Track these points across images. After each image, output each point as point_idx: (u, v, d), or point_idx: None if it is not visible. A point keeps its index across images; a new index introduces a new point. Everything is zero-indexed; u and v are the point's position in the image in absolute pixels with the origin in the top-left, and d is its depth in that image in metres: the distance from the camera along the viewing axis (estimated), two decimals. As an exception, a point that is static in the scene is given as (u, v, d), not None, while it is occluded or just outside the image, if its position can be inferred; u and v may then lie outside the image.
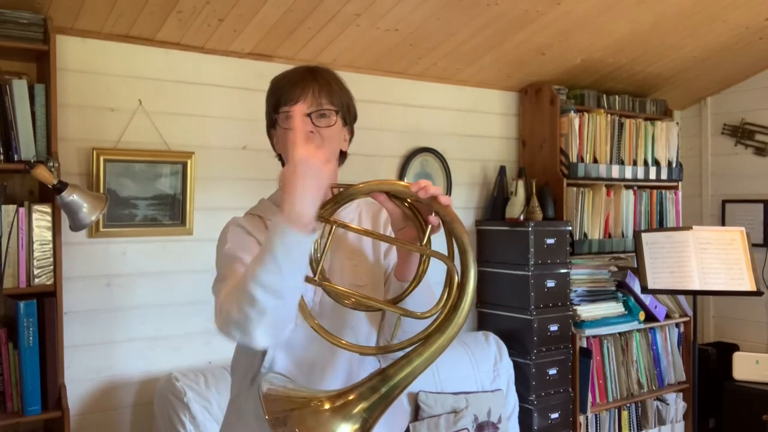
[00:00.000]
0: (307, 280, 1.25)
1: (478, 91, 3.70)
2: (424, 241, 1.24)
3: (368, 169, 3.12)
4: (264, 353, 1.39)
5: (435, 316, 1.21)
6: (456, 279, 1.19)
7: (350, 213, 1.50)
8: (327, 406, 1.16)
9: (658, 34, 3.38)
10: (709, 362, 4.08)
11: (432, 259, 1.25)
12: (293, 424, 1.14)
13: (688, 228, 3.37)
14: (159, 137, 2.72)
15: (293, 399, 1.20)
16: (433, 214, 1.23)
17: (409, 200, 1.25)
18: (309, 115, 1.41)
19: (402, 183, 1.25)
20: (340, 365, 1.41)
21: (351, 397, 1.17)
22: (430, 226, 1.24)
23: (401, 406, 1.58)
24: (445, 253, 1.22)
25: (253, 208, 1.54)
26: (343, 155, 1.52)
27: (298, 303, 1.23)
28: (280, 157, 1.52)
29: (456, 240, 1.20)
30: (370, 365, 1.41)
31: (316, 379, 1.40)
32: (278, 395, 1.20)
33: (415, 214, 1.26)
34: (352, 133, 1.54)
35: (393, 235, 1.35)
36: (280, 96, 1.44)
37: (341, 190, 1.27)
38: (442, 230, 1.24)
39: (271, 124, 1.49)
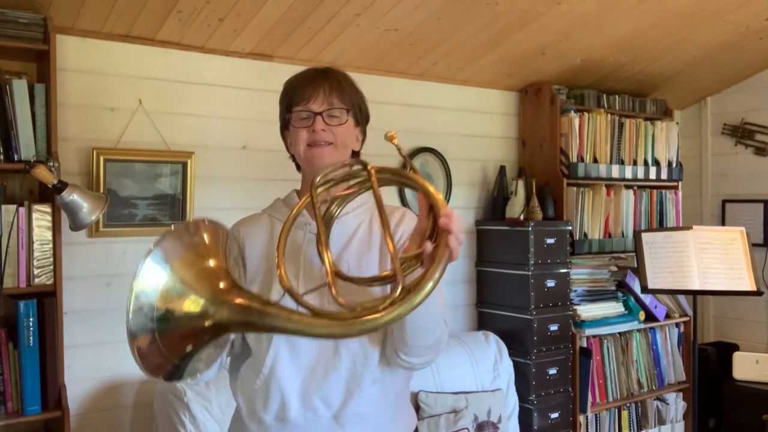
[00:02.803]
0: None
1: (478, 91, 3.70)
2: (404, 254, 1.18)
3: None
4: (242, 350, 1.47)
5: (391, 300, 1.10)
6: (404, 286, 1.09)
7: (360, 214, 1.49)
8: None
9: (658, 34, 3.38)
10: (709, 362, 4.08)
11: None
12: None
13: (688, 228, 3.37)
14: (159, 137, 2.72)
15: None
16: (430, 243, 1.13)
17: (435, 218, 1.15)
18: (320, 113, 1.42)
19: (442, 198, 1.17)
20: (344, 366, 1.39)
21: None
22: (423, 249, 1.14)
23: (407, 409, 1.56)
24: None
25: (268, 207, 1.56)
26: (355, 155, 1.53)
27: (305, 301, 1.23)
28: (294, 158, 1.53)
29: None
30: (374, 366, 1.40)
31: (319, 380, 1.39)
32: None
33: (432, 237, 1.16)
34: (364, 134, 1.55)
35: (398, 244, 1.36)
36: (292, 96, 1.46)
37: (409, 170, 1.20)
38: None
39: (285, 126, 1.50)
